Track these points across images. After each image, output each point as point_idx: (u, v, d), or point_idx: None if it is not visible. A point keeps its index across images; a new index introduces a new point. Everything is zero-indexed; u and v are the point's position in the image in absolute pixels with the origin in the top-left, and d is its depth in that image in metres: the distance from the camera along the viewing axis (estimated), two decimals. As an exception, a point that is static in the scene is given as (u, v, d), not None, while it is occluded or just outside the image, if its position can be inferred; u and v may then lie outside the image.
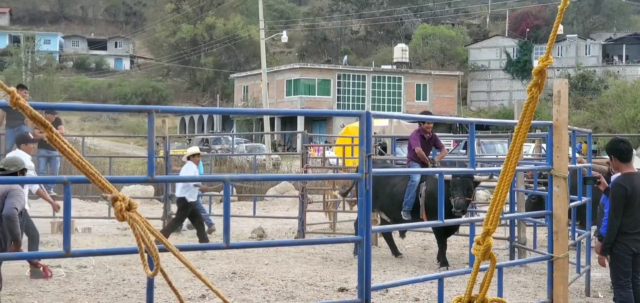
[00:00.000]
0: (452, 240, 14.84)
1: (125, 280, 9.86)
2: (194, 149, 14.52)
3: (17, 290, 9.21)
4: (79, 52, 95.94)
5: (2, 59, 79.97)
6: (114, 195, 2.97)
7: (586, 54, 75.35)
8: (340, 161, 19.04)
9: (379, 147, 19.34)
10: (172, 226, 14.16)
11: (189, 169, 13.85)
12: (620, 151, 7.20)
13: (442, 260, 11.76)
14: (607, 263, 7.38)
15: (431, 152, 12.79)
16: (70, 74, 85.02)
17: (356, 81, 63.99)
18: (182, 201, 13.86)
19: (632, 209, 6.97)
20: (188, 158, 14.13)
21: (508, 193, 4.12)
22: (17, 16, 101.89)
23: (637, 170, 7.42)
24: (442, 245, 11.91)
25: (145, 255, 3.22)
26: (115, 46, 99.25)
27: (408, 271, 11.37)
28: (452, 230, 12.17)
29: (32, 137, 12.94)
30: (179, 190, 13.90)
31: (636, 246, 7.06)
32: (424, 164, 12.17)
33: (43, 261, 10.08)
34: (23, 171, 7.98)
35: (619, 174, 7.28)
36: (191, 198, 13.81)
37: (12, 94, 2.67)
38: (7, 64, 76.47)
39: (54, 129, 2.77)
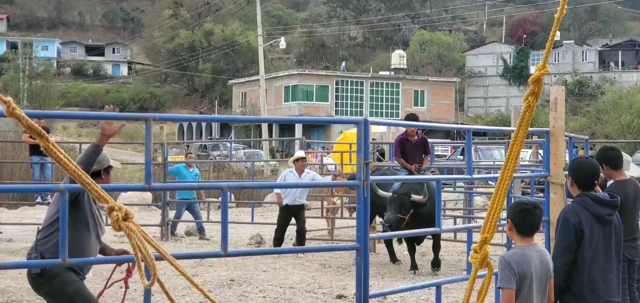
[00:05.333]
0: (449, 245, 14.83)
1: (123, 287, 9.83)
2: (300, 153, 14.16)
3: (14, 298, 9.19)
4: (76, 58, 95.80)
5: (0, 65, 79.93)
6: (110, 205, 2.97)
7: (583, 60, 75.48)
8: (338, 167, 19.01)
9: (377, 153, 19.33)
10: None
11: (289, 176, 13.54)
12: (611, 159, 7.21)
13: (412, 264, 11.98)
14: None
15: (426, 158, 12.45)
16: (68, 80, 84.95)
17: (354, 87, 64.02)
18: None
19: (625, 216, 6.97)
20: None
21: (505, 200, 4.13)
22: (14, 22, 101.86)
23: (629, 177, 7.41)
24: (413, 251, 12.08)
25: (142, 264, 3.22)
26: (113, 52, 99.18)
27: (406, 278, 11.36)
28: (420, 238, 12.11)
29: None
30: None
31: (630, 253, 7.06)
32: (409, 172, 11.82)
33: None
34: (108, 169, 6.49)
35: (611, 181, 7.28)
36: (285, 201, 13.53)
37: (8, 104, 2.67)
38: (5, 70, 76.42)
39: (49, 138, 2.76)
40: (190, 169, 16.59)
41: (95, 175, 5.95)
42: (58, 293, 5.87)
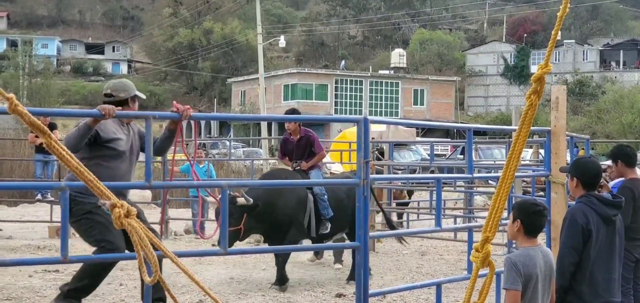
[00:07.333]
0: (449, 245, 14.83)
1: (122, 284, 9.84)
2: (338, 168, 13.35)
3: (14, 294, 9.18)
4: (76, 56, 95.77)
5: (0, 63, 79.87)
6: (112, 202, 2.96)
7: (583, 59, 75.46)
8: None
9: (376, 152, 19.32)
10: None
11: None
12: (627, 156, 7.24)
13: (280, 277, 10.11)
14: None
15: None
16: (68, 78, 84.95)
17: (353, 86, 63.99)
18: None
19: (637, 215, 6.98)
20: None
21: (507, 200, 4.12)
22: (14, 20, 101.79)
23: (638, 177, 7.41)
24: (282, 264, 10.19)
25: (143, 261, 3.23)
26: (113, 50, 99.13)
27: (406, 277, 11.34)
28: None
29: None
30: None
31: (639, 252, 7.06)
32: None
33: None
34: (134, 98, 6.45)
35: (621, 179, 7.28)
36: None
37: (10, 101, 2.66)
38: (5, 68, 76.32)
39: (52, 136, 2.76)
40: (201, 166, 16.53)
41: (123, 103, 6.26)
42: (83, 234, 6.27)
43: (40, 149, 16.15)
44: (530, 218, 4.73)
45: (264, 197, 9.51)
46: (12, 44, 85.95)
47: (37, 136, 13.69)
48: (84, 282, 6.41)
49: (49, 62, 76.13)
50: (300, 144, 10.60)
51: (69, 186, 4.98)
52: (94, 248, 6.41)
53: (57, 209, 14.24)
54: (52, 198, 16.38)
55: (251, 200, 9.31)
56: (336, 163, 16.73)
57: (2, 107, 3.23)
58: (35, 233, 15.69)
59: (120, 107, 6.33)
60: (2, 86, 2.85)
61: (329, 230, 10.30)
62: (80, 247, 12.75)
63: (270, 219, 9.77)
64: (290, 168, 10.64)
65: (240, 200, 9.31)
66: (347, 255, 12.54)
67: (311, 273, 11.28)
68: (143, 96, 6.90)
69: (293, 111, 11.81)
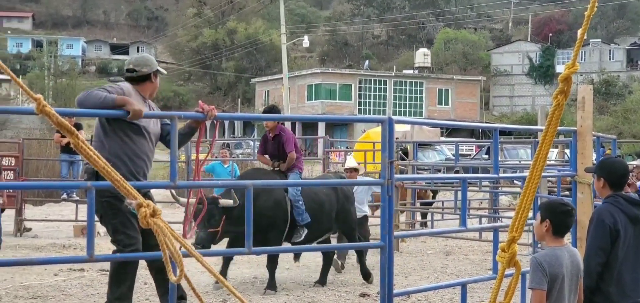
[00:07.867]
0: (474, 245, 14.76)
1: (147, 283, 9.88)
2: (351, 163, 12.81)
3: (39, 293, 9.26)
4: (101, 56, 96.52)
5: (25, 63, 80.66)
6: (138, 202, 2.97)
7: (610, 59, 74.75)
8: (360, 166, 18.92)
9: (400, 152, 19.29)
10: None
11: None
12: None
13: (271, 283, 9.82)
14: None
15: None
16: (93, 79, 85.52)
17: (377, 86, 63.87)
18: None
19: None
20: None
21: (533, 200, 4.09)
22: (39, 20, 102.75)
23: None
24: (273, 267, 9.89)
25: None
26: (137, 51, 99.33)
27: (430, 277, 11.31)
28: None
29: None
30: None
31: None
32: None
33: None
34: (156, 73, 6.49)
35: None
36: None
37: (38, 102, 2.67)
38: (30, 68, 77.09)
39: (79, 135, 2.77)
40: (226, 166, 16.56)
41: (146, 78, 6.33)
42: (104, 216, 6.21)
43: (65, 149, 16.29)
44: (559, 218, 4.71)
45: (241, 199, 8.81)
46: (38, 44, 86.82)
47: (63, 136, 13.71)
48: (122, 288, 6.28)
49: (74, 63, 76.78)
50: (275, 143, 10.21)
51: (95, 186, 5.00)
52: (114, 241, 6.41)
53: (83, 208, 14.35)
54: (78, 197, 16.52)
55: (238, 201, 8.92)
56: (350, 157, 16.46)
57: (30, 107, 3.26)
58: (60, 232, 15.83)
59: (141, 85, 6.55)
60: (27, 86, 2.87)
61: (303, 237, 9.79)
62: (106, 247, 12.85)
63: (238, 220, 8.61)
64: (268, 168, 10.35)
65: (222, 201, 9.09)
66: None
67: (334, 273, 11.27)
68: (164, 72, 6.97)
69: (272, 108, 11.36)
